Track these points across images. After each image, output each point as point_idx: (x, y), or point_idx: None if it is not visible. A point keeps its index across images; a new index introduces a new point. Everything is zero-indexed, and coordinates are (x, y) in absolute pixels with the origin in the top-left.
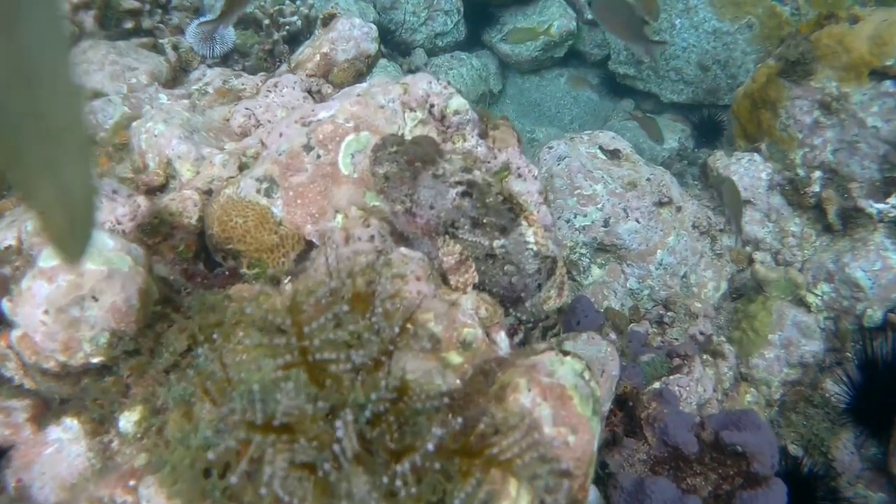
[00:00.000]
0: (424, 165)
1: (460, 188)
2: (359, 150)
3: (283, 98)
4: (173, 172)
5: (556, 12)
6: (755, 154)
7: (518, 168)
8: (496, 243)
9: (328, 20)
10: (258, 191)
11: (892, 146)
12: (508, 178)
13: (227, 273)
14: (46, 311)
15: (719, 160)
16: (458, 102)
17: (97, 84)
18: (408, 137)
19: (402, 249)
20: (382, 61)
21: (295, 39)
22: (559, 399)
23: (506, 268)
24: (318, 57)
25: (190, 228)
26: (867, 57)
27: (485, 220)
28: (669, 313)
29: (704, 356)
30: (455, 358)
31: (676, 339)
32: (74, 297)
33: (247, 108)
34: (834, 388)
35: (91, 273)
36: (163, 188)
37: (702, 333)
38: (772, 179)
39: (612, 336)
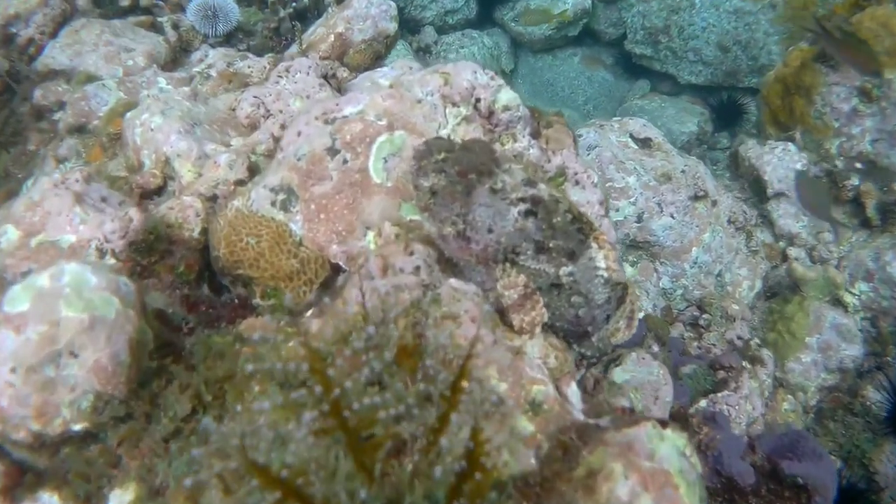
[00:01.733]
0: (479, 178)
1: (523, 206)
2: (393, 153)
3: (295, 85)
4: (172, 173)
5: None
6: (790, 144)
7: (576, 174)
8: (563, 271)
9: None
10: (273, 203)
11: None
12: (565, 186)
13: (236, 301)
14: (14, 370)
15: (751, 149)
16: (508, 96)
17: (90, 66)
18: (452, 138)
19: (453, 282)
20: None
21: (302, 17)
22: (662, 488)
23: (573, 299)
24: (332, 37)
25: (191, 243)
26: None
27: (551, 245)
28: (705, 315)
29: (744, 363)
30: (525, 425)
31: (714, 345)
32: (49, 353)
33: (255, 97)
34: (875, 396)
35: (69, 322)
36: (160, 191)
37: (739, 338)
38: (808, 170)
39: (655, 348)
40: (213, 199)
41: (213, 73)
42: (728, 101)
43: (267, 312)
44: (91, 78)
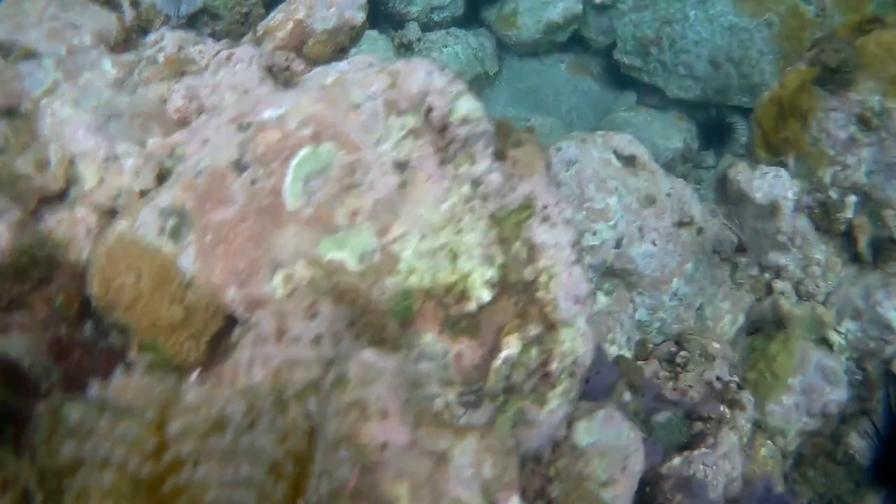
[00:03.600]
0: None
1: None
2: (316, 172)
3: (235, 77)
4: (76, 176)
5: None
6: (781, 170)
7: (545, 207)
8: None
9: None
10: (162, 230)
11: None
12: (530, 222)
13: (115, 351)
14: None
15: (741, 173)
16: (468, 106)
17: (31, 42)
18: (388, 159)
19: (367, 356)
20: (373, 33)
21: (276, 1)
22: None
23: None
24: (290, 24)
25: (77, 269)
26: None
27: None
28: (682, 352)
29: (723, 408)
30: None
31: (691, 387)
32: None
33: (188, 88)
34: (859, 444)
35: None
36: (63, 196)
37: (719, 379)
38: (799, 199)
39: (627, 396)
40: (114, 213)
41: (160, 57)
42: (716, 118)
43: (145, 371)
44: (30, 55)
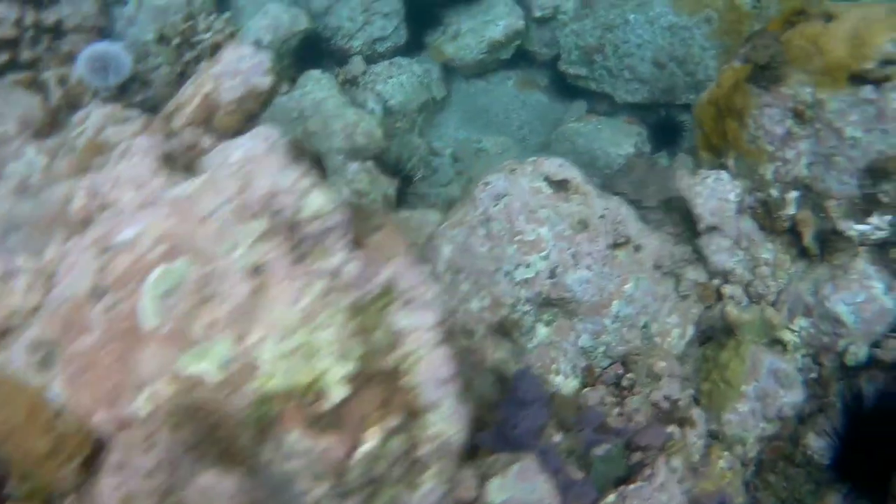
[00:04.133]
0: None
1: None
2: (171, 290)
3: (132, 170)
4: None
5: (502, 10)
6: (722, 172)
7: (406, 290)
8: None
9: (216, 49)
10: (30, 364)
11: (873, 158)
12: (392, 308)
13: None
14: None
15: (682, 179)
16: (318, 202)
17: None
18: (241, 265)
19: (205, 479)
20: (315, 72)
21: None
22: None
23: None
24: (197, 99)
25: None
26: (845, 59)
27: None
28: (629, 375)
29: (671, 429)
30: None
31: (638, 410)
32: None
33: (90, 185)
34: (817, 443)
35: None
36: None
37: (667, 398)
38: (741, 201)
39: (557, 438)
40: (6, 334)
41: (80, 142)
42: (665, 119)
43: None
44: None
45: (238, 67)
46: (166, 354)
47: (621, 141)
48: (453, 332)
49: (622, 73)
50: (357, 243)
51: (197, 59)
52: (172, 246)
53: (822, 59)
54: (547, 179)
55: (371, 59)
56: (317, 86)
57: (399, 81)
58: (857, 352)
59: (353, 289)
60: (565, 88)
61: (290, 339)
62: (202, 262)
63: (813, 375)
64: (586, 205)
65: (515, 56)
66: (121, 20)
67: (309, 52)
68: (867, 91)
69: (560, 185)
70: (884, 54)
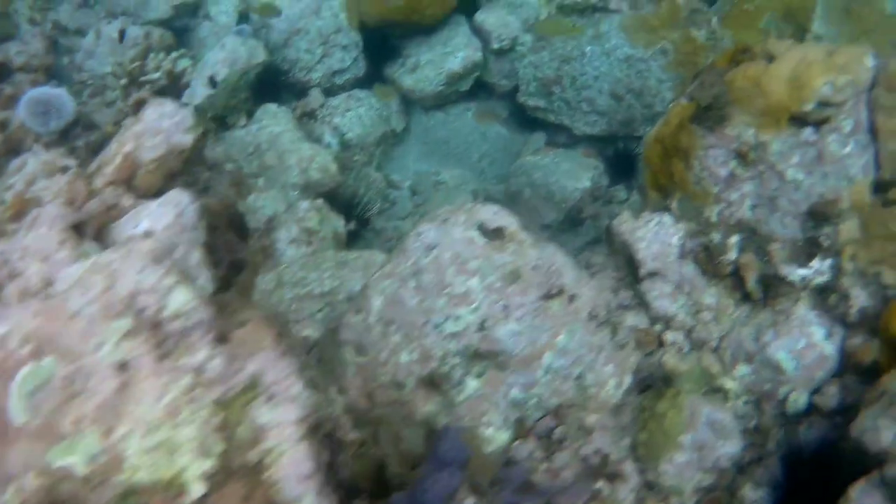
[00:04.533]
0: None
1: None
2: (40, 387)
3: (38, 241)
4: None
5: (460, 42)
6: (665, 215)
7: (270, 385)
8: None
9: (139, 106)
10: None
11: (814, 201)
12: (256, 402)
13: None
14: None
15: (624, 223)
16: (180, 300)
17: None
18: (108, 363)
19: None
20: (272, 106)
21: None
22: None
23: None
24: (119, 158)
25: None
26: (785, 101)
27: None
28: (559, 427)
29: (599, 484)
30: None
31: (566, 466)
32: None
33: (1, 254)
34: (755, 494)
35: None
36: None
37: (597, 452)
38: (683, 245)
39: (470, 501)
40: None
41: (9, 196)
42: (623, 151)
43: None
44: None
45: (159, 125)
46: (35, 449)
47: (579, 174)
48: (318, 427)
49: (580, 105)
50: (222, 338)
51: (143, 102)
52: (40, 344)
53: (764, 101)
54: (481, 227)
55: (330, 92)
56: (273, 119)
57: (357, 114)
58: (798, 399)
59: (217, 384)
60: (525, 120)
61: (155, 435)
62: (70, 360)
63: (753, 423)
64: (520, 255)
65: (475, 87)
66: (80, 52)
67: (267, 84)
68: (807, 133)
69: (495, 234)
70: (821, 96)
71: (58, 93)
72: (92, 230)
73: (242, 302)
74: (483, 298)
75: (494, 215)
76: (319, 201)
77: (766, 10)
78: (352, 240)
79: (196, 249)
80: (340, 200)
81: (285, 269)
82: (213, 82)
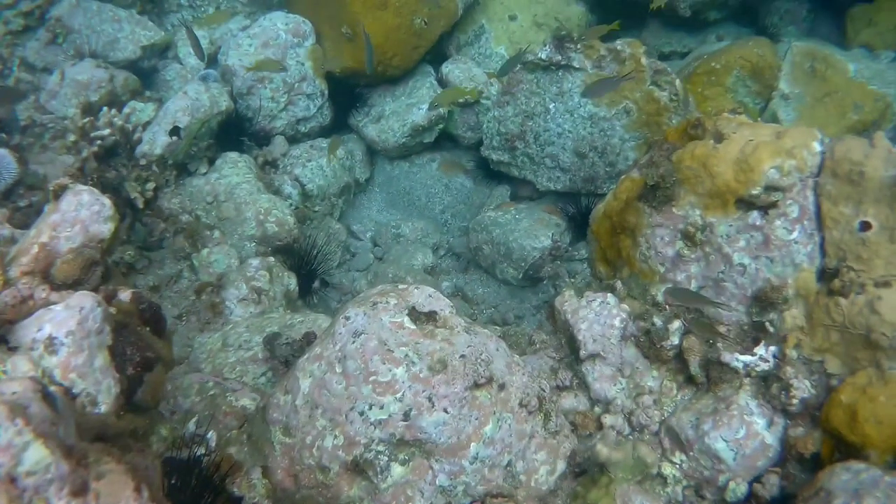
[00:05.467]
0: None
1: None
2: None
3: None
4: None
5: (425, 94)
6: (609, 295)
7: None
8: None
9: (59, 192)
10: None
11: (760, 287)
12: None
13: None
14: None
15: (567, 302)
16: (34, 457)
17: None
18: None
19: None
20: (233, 155)
21: (112, 153)
22: None
23: None
24: (34, 248)
25: None
26: (732, 184)
27: None
28: None
29: None
30: None
31: None
32: None
33: None
34: None
35: None
36: None
37: None
38: (625, 327)
39: None
40: None
41: None
42: (586, 209)
43: None
44: None
45: (77, 215)
46: None
47: (539, 233)
48: None
49: (544, 161)
50: (82, 491)
51: (95, 156)
52: None
53: (712, 182)
54: (412, 312)
55: (294, 140)
56: (233, 169)
57: (319, 164)
58: (737, 489)
59: None
60: (490, 172)
61: None
62: None
63: None
64: (449, 342)
65: (442, 138)
66: (43, 92)
67: (230, 131)
68: (754, 217)
69: (427, 318)
70: (768, 181)
71: (0, 153)
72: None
73: (103, 453)
74: (408, 388)
75: (428, 298)
76: (271, 259)
77: (732, 67)
78: (308, 292)
79: (100, 353)
80: (299, 252)
81: (231, 329)
82: (175, 131)
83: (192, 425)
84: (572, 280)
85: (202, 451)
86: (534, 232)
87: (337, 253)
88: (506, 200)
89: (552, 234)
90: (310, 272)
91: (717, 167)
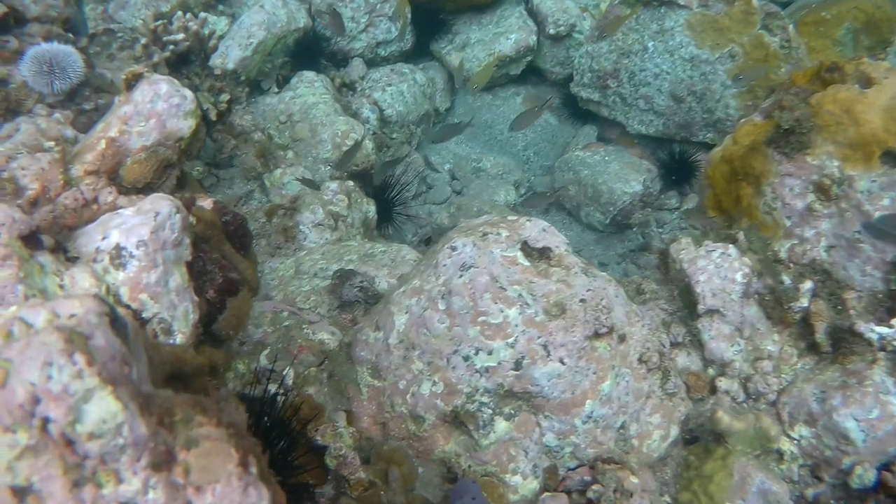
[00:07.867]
0: None
1: None
2: None
3: None
4: None
5: (514, 24)
6: (730, 247)
7: None
8: None
9: (132, 82)
10: None
11: None
12: None
13: None
14: None
15: (684, 250)
16: (99, 413)
17: None
18: (5, 482)
19: None
20: (310, 74)
21: (185, 61)
22: None
23: None
24: (101, 144)
25: None
26: (880, 134)
27: None
28: (595, 487)
29: None
30: None
31: None
32: None
33: None
34: None
35: None
36: None
37: None
38: (748, 283)
39: None
40: None
41: None
42: (679, 155)
43: None
44: None
45: (153, 108)
46: None
47: (630, 177)
48: None
49: (637, 103)
50: (165, 462)
51: (167, 62)
52: None
53: (856, 131)
54: (525, 246)
55: (372, 63)
56: (309, 88)
57: (399, 90)
58: (864, 474)
59: None
60: (576, 111)
61: None
62: None
63: (811, 493)
64: (567, 283)
65: (527, 72)
66: (112, 2)
67: (307, 51)
68: None
69: (540, 254)
70: None
71: (66, 50)
72: (50, 243)
73: (195, 409)
74: (521, 333)
75: (541, 233)
76: (350, 183)
77: (844, 19)
78: (383, 221)
79: (177, 270)
80: (370, 184)
81: (306, 255)
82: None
83: (263, 358)
84: (660, 230)
85: (276, 389)
86: (624, 175)
87: (414, 183)
88: (593, 141)
89: (644, 180)
90: (385, 201)
91: (865, 114)
